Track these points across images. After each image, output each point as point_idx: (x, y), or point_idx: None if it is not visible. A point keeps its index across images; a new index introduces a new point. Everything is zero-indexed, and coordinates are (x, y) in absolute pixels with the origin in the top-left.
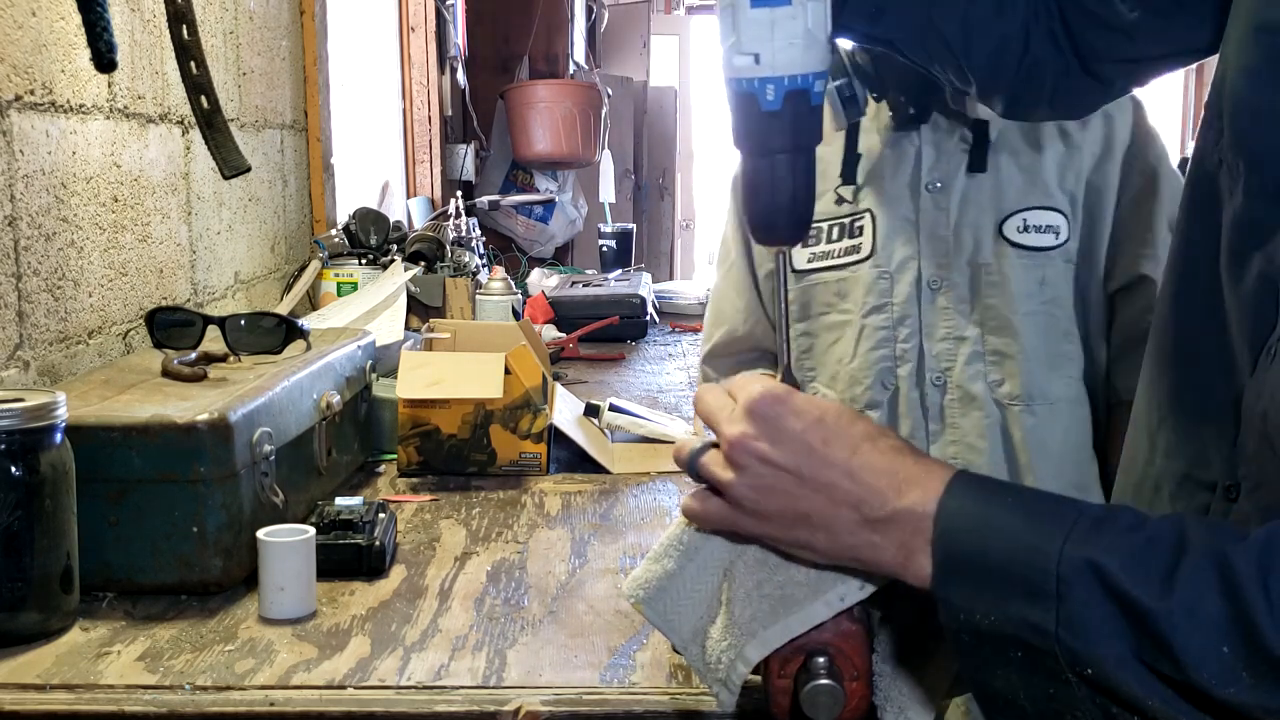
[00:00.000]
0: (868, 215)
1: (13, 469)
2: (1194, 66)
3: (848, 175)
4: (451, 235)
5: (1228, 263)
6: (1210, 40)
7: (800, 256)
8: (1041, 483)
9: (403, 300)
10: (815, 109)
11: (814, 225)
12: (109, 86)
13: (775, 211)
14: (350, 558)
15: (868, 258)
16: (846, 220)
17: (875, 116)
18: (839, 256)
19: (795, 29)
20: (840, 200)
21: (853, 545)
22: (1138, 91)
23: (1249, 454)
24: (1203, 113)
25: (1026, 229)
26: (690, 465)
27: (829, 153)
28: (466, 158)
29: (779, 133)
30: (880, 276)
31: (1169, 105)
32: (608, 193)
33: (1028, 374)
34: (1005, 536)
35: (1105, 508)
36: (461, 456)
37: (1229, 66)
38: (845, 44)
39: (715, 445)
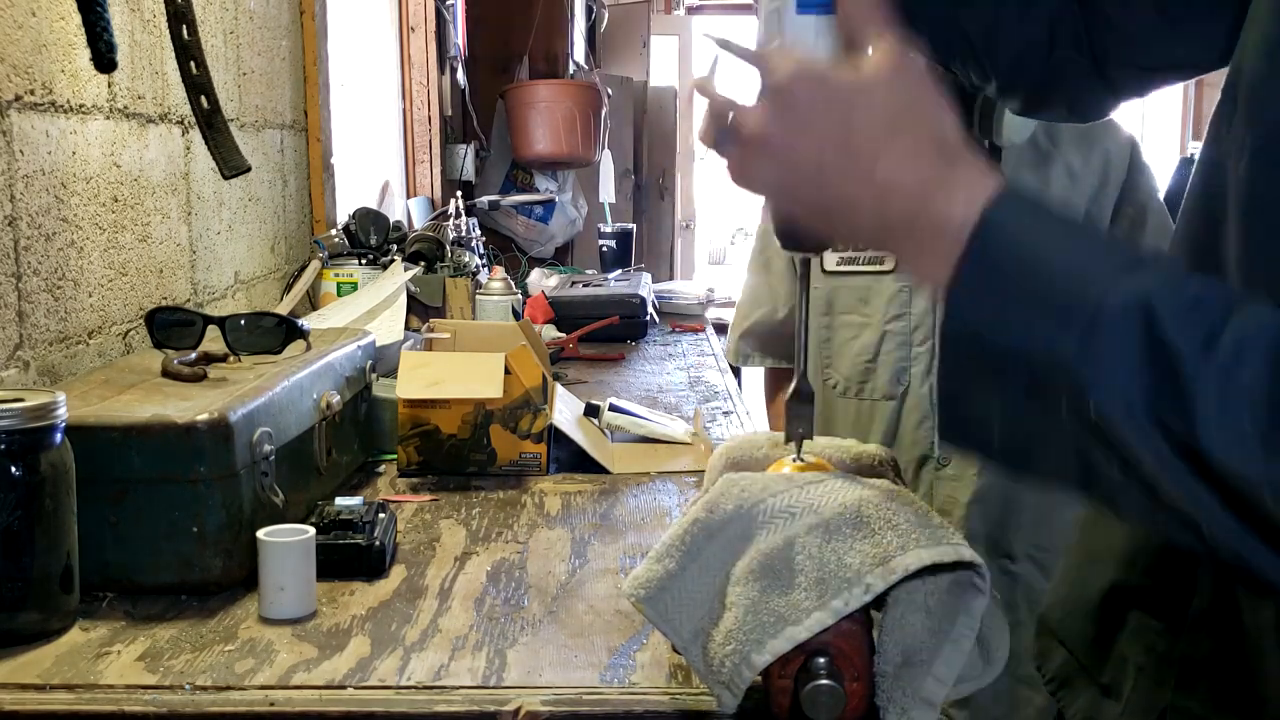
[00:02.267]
0: None
1: (13, 469)
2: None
3: None
4: (451, 235)
5: (1238, 236)
6: (1221, 52)
7: (830, 258)
8: None
9: (403, 300)
10: None
11: None
12: (109, 86)
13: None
14: (350, 558)
15: (890, 271)
16: None
17: None
18: (864, 264)
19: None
20: None
21: (867, 237)
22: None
23: None
24: (1219, 102)
25: None
26: (719, 138)
27: None
28: (466, 158)
29: None
30: (901, 289)
31: (1169, 106)
32: (608, 193)
33: None
34: (1051, 255)
35: (1155, 253)
36: (461, 456)
37: (1246, 49)
38: None
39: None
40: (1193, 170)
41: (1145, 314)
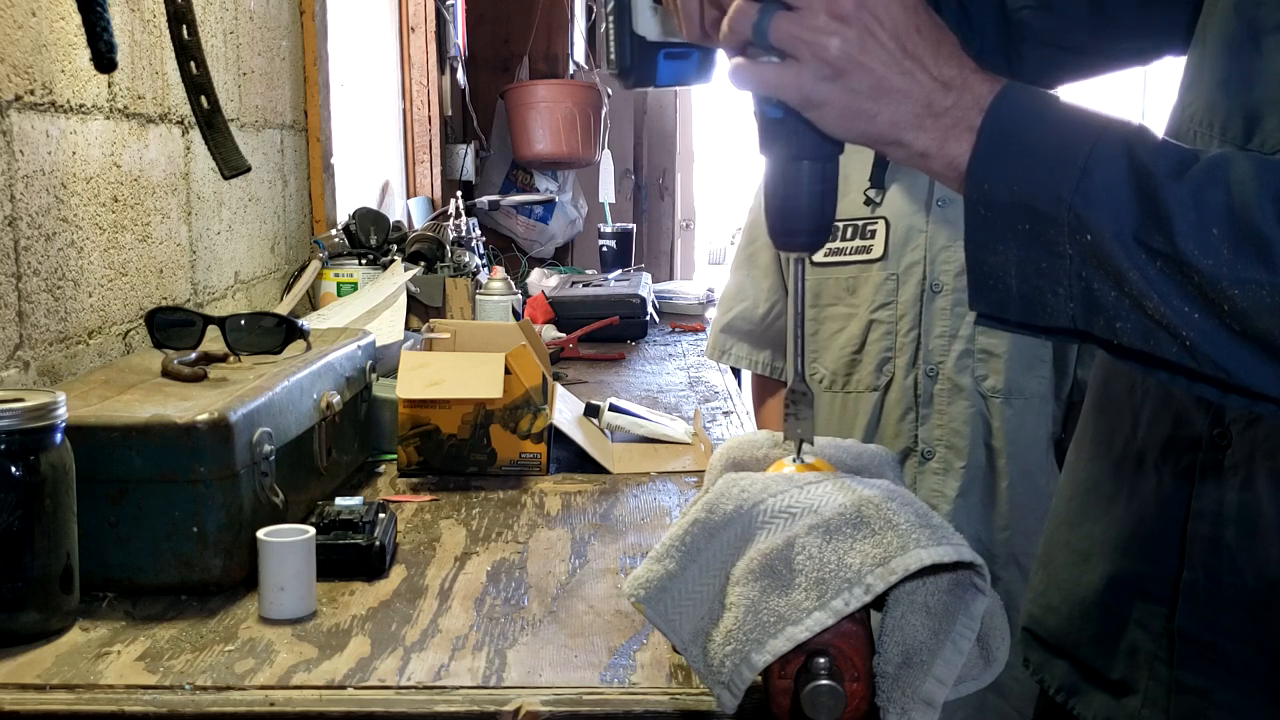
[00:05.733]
0: (882, 222)
1: (13, 469)
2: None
3: (877, 179)
4: (451, 235)
5: None
6: (1152, 45)
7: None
8: (1012, 466)
9: (403, 300)
10: None
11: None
12: (109, 86)
13: (799, 218)
14: (350, 558)
15: (878, 260)
16: (860, 223)
17: None
18: (851, 255)
19: None
20: (868, 202)
21: (906, 120)
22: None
23: None
24: (1180, 96)
25: None
26: (760, 24)
27: (856, 158)
28: (466, 158)
29: (812, 139)
30: (889, 279)
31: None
32: (608, 193)
33: (1009, 371)
34: (1051, 122)
35: (1141, 126)
36: (461, 456)
37: (1207, 45)
38: None
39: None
40: None
41: (1128, 152)
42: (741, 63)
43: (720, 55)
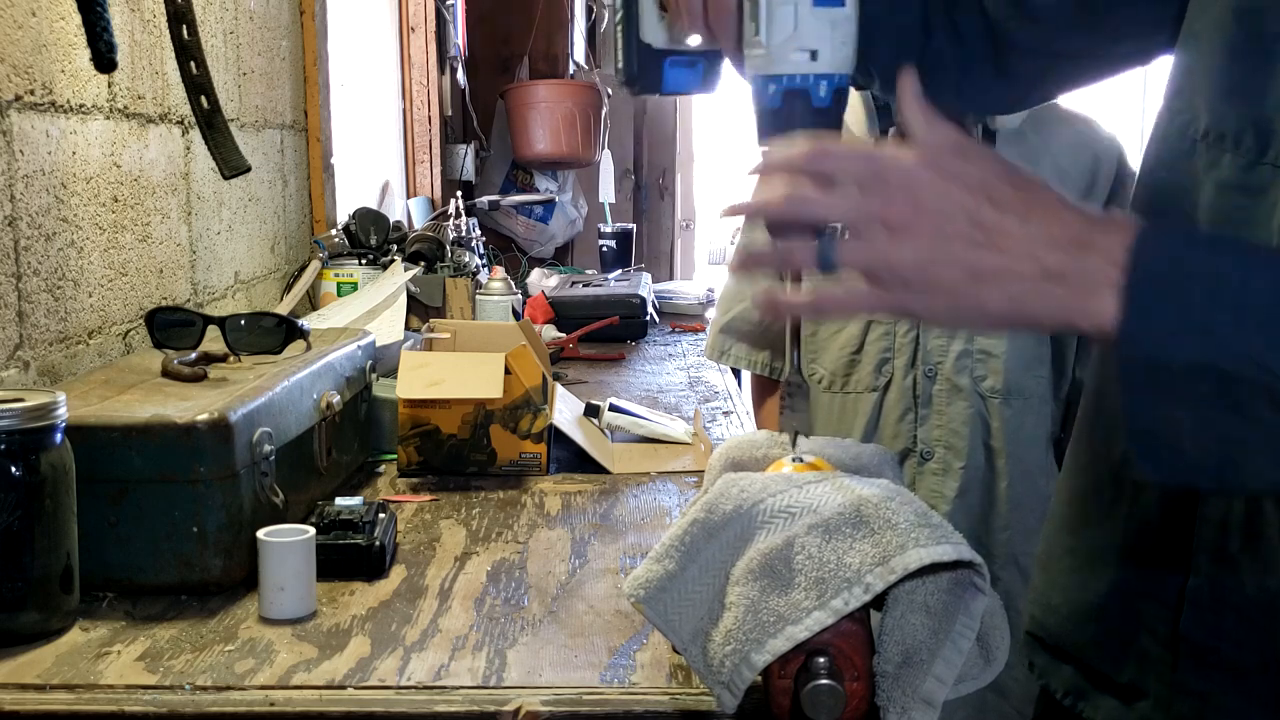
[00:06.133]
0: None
1: (13, 469)
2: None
3: None
4: (451, 235)
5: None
6: (1148, 44)
7: None
8: (1011, 467)
9: (403, 300)
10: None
11: None
12: (109, 86)
13: None
14: (350, 558)
15: None
16: None
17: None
18: None
19: (850, 30)
20: None
21: (1024, 294)
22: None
23: None
24: (1167, 103)
25: None
26: (825, 256)
27: None
28: (466, 158)
29: (825, 130)
30: None
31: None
32: (608, 193)
33: (1008, 371)
34: (1205, 264)
35: None
36: (461, 456)
37: (1202, 51)
38: None
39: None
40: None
41: None
42: (826, 291)
43: (726, 65)
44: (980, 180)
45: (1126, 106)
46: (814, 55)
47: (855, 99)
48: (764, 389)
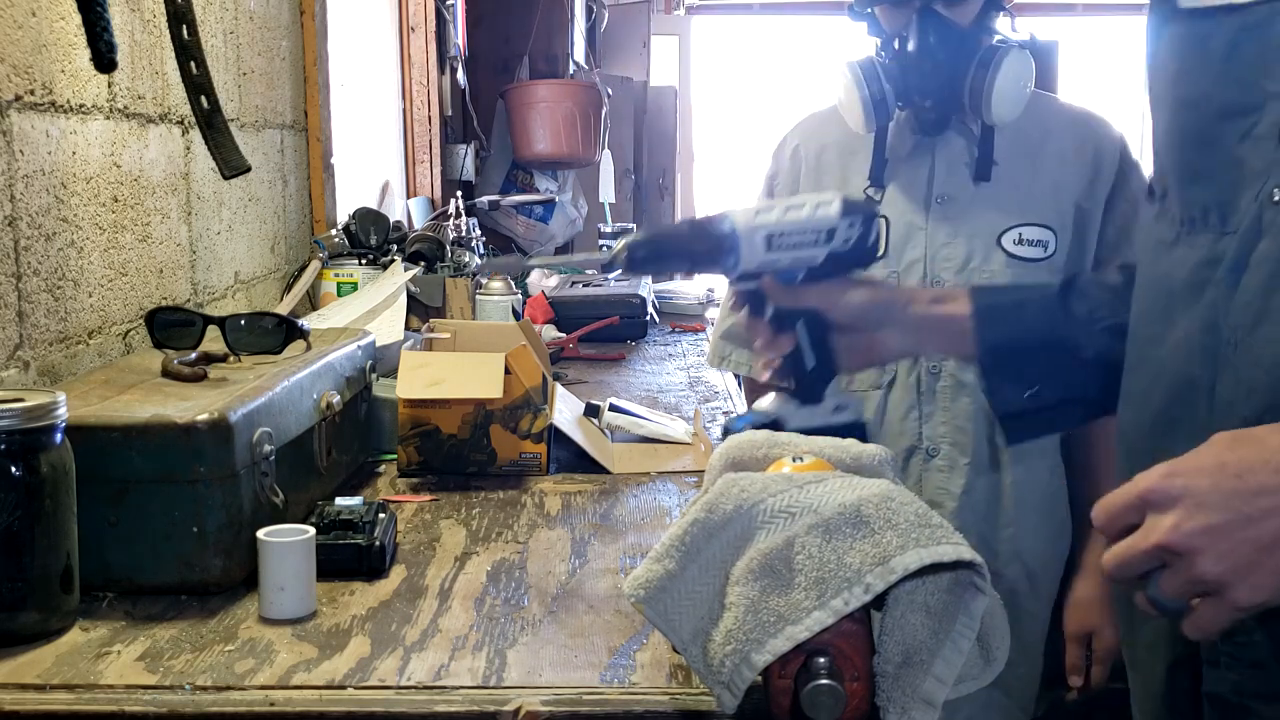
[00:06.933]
0: (882, 220)
1: (13, 469)
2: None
3: (876, 178)
4: (451, 235)
5: None
6: None
7: None
8: (1017, 463)
9: (403, 300)
10: None
11: None
12: (109, 86)
13: None
14: (350, 558)
15: (880, 258)
16: None
17: (896, 122)
18: None
19: None
20: (868, 200)
21: None
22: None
23: None
24: (1154, 147)
25: (1021, 242)
26: (1161, 603)
27: (855, 158)
28: (466, 158)
29: None
30: (890, 276)
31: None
32: (608, 193)
33: None
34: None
35: None
36: (461, 456)
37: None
38: (872, 49)
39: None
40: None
41: None
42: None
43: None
44: (1219, 455)
45: (1126, 107)
46: None
47: (851, 93)
48: (755, 389)
